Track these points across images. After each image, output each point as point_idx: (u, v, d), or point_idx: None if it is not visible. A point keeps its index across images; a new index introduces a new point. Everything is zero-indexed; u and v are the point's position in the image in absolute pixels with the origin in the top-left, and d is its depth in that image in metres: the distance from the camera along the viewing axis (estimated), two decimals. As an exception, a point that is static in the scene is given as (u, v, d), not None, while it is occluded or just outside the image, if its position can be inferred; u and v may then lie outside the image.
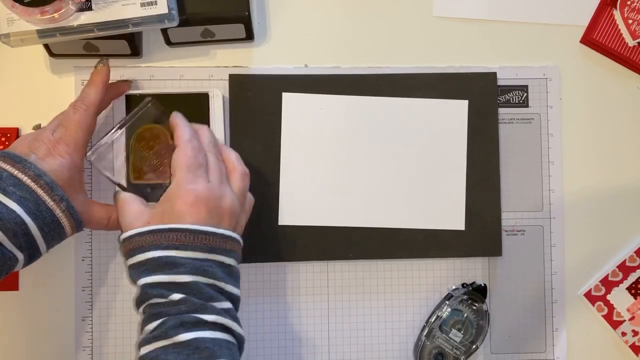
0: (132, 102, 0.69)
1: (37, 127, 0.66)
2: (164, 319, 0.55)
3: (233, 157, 0.64)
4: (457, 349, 0.70)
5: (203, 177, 0.60)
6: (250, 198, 0.65)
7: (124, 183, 0.66)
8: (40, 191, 0.57)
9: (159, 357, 0.53)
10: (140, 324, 0.57)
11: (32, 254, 0.59)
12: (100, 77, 0.65)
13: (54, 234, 0.59)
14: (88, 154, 0.65)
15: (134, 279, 0.58)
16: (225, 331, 0.56)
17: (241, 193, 0.63)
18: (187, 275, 0.56)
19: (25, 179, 0.57)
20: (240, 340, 0.58)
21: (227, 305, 0.57)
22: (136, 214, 0.60)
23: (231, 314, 0.57)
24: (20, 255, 0.57)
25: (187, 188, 0.58)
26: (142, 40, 0.71)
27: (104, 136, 0.65)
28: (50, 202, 0.58)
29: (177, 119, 0.63)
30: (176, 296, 0.55)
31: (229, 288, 0.58)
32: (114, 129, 0.66)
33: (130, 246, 0.58)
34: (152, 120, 0.66)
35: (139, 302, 0.58)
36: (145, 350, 0.54)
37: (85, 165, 0.68)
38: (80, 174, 0.62)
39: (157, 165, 0.66)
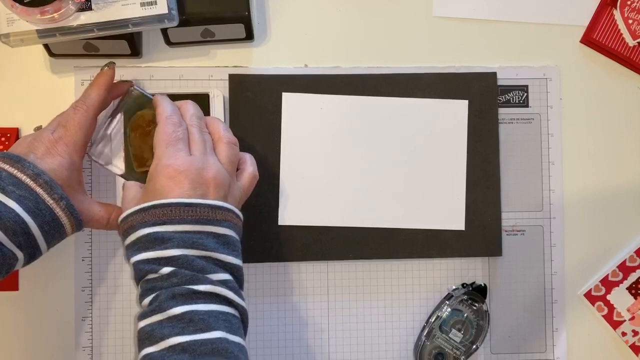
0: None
1: (39, 129, 0.66)
2: (157, 292, 0.55)
3: (219, 127, 0.64)
4: (457, 349, 0.70)
5: (183, 150, 0.59)
6: (250, 173, 0.64)
7: (129, 174, 0.66)
8: (39, 190, 0.57)
9: (155, 331, 0.54)
10: (138, 298, 0.58)
11: (32, 253, 0.59)
12: (104, 79, 0.65)
13: (54, 232, 0.59)
14: (89, 152, 0.66)
15: (128, 259, 0.58)
16: (223, 302, 0.56)
17: (229, 162, 0.62)
18: (175, 250, 0.55)
19: (24, 178, 0.57)
20: (242, 312, 0.57)
21: (224, 276, 0.57)
22: (130, 199, 0.61)
23: (229, 285, 0.57)
24: (20, 254, 0.58)
25: (166, 163, 0.58)
26: (142, 40, 0.71)
27: (98, 133, 0.66)
28: (49, 201, 0.58)
29: (159, 98, 0.64)
30: (166, 270, 0.55)
31: (226, 258, 0.57)
32: (106, 123, 0.66)
33: (125, 227, 0.59)
34: (141, 106, 0.66)
35: (136, 279, 0.58)
36: (142, 324, 0.55)
37: (86, 166, 0.69)
38: (79, 174, 0.62)
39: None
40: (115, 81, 0.68)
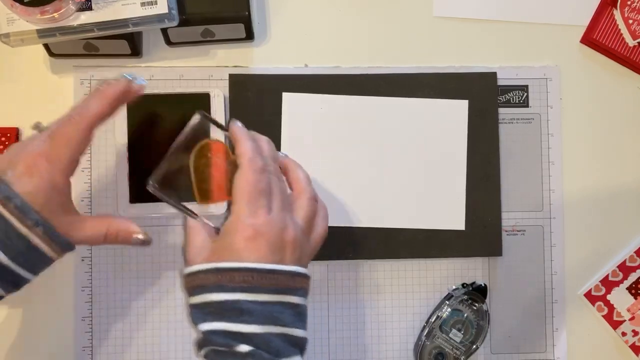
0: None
1: (37, 126, 0.63)
2: None
3: (301, 177, 0.59)
4: (457, 349, 0.70)
5: (265, 207, 0.54)
6: (321, 228, 0.58)
7: (192, 209, 0.58)
8: (8, 216, 0.50)
9: None
10: (196, 350, 0.53)
11: (16, 282, 0.53)
12: (111, 91, 0.56)
13: (34, 260, 0.53)
14: (149, 184, 0.57)
15: (195, 322, 0.53)
16: None
17: (307, 220, 0.57)
18: (257, 326, 0.51)
19: None
20: None
21: (295, 359, 0.52)
22: (199, 248, 0.55)
23: None
24: None
25: (247, 222, 0.53)
26: (142, 40, 0.71)
27: (161, 162, 0.58)
28: (22, 229, 0.51)
29: (238, 132, 0.57)
30: (244, 348, 0.50)
31: (299, 333, 0.53)
32: (170, 153, 0.58)
33: (193, 283, 0.53)
34: (207, 134, 0.60)
35: (199, 345, 0.53)
36: None
37: (86, 166, 0.69)
38: (62, 194, 0.54)
39: (223, 183, 0.59)
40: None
